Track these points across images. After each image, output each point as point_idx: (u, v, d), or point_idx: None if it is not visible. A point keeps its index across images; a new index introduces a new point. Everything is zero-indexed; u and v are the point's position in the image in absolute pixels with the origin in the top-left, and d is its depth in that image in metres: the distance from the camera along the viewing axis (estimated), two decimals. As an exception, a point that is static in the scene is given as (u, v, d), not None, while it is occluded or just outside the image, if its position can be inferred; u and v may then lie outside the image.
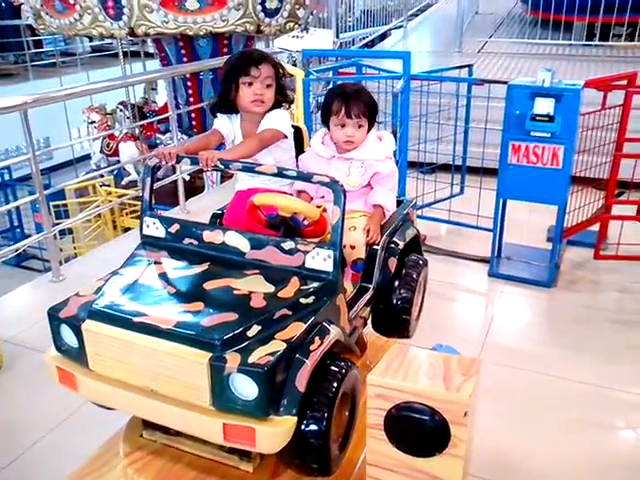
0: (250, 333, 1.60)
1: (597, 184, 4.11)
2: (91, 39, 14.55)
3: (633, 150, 3.92)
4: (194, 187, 7.63)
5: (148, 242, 2.03)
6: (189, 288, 1.80)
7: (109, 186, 9.12)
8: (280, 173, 1.90)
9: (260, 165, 1.98)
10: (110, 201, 8.04)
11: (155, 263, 1.92)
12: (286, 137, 2.24)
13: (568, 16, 7.81)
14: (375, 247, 2.21)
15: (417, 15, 11.38)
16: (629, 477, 2.42)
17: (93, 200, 8.77)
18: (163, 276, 1.86)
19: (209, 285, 1.79)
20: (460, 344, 2.81)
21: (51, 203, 8.09)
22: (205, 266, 1.88)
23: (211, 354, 1.54)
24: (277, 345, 1.58)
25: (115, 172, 9.58)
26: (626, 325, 3.45)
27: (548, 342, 3.34)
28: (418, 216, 4.36)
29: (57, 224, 5.30)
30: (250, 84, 2.17)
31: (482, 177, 4.30)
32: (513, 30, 9.17)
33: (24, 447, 2.55)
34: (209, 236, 1.94)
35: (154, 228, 2.02)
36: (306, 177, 2.01)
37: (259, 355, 1.54)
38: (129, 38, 8.78)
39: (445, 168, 4.75)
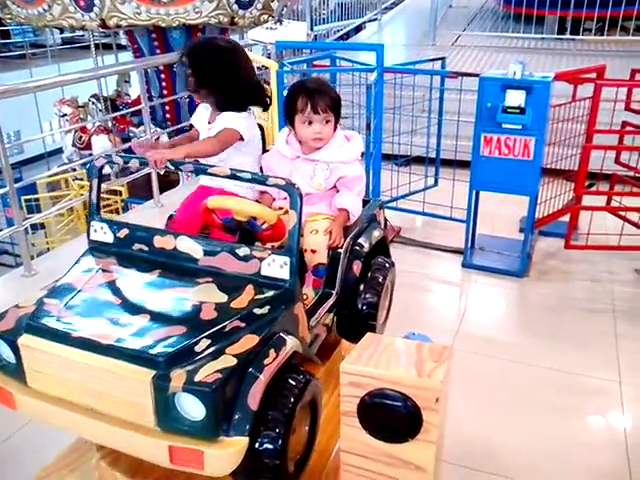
0: (198, 348, 1.51)
1: (568, 175, 4.17)
2: (62, 30, 14.30)
3: (602, 142, 4.00)
4: (169, 181, 7.55)
5: (96, 248, 1.93)
6: (135, 299, 1.71)
7: (82, 180, 8.99)
8: (234, 175, 1.80)
9: (213, 167, 1.87)
10: (82, 195, 7.93)
11: (102, 271, 1.82)
12: (242, 139, 2.15)
13: (540, 10, 7.92)
14: (338, 250, 2.14)
15: (392, 8, 11.40)
16: (600, 460, 2.48)
17: (65, 194, 8.64)
18: (109, 285, 1.76)
19: (158, 295, 1.71)
20: (434, 333, 2.83)
21: (22, 197, 7.95)
22: (155, 274, 1.79)
23: (154, 372, 1.45)
24: (227, 360, 1.49)
25: (88, 166, 9.44)
26: (595, 313, 3.52)
27: (520, 331, 3.40)
28: (393, 208, 4.45)
29: (28, 218, 5.21)
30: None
31: (455, 169, 4.34)
32: (486, 24, 9.25)
33: (-2, 441, 2.52)
34: (160, 241, 1.84)
35: (102, 233, 1.92)
36: (261, 180, 1.88)
37: (207, 372, 1.45)
38: (101, 30, 8.65)
39: (419, 160, 4.78)
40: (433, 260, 4.15)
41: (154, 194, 5.15)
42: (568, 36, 7.84)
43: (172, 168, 1.85)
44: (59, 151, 11.29)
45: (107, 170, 9.56)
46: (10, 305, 1.76)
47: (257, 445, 1.52)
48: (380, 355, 1.62)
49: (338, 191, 2.23)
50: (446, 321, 3.43)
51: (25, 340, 1.59)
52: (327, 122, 2.14)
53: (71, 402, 1.57)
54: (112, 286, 1.76)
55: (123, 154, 1.97)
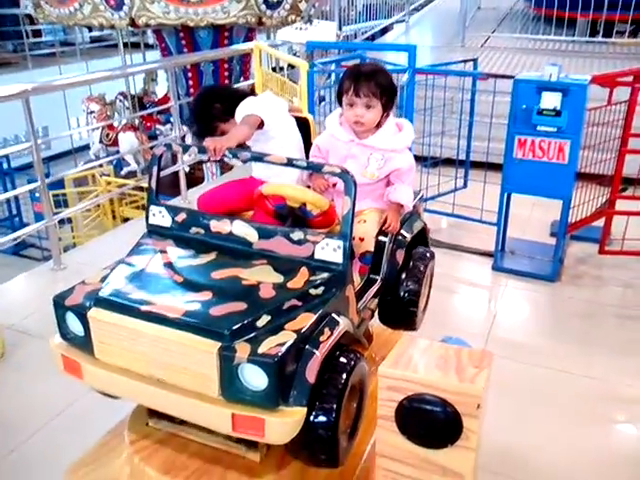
0: (259, 323, 1.58)
1: (601, 180, 4.10)
2: (91, 29, 14.48)
3: (638, 146, 3.91)
4: (194, 178, 7.59)
5: (154, 231, 2.00)
6: (196, 277, 1.77)
7: (109, 176, 9.09)
8: (290, 163, 1.85)
9: (269, 155, 1.92)
10: (109, 191, 8.01)
11: (161, 252, 1.89)
12: (263, 124, 2.18)
13: (572, 12, 7.79)
14: (383, 239, 2.19)
15: (419, 10, 11.33)
16: (634, 471, 2.42)
17: (92, 190, 8.74)
18: (170, 265, 1.83)
19: (217, 275, 1.76)
20: (465, 337, 2.79)
21: (50, 192, 8.05)
22: (212, 255, 1.85)
23: (220, 344, 1.52)
24: (287, 335, 1.56)
25: (114, 162, 9.54)
26: (630, 319, 3.45)
27: (552, 336, 3.33)
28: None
29: (57, 213, 5.26)
30: None
31: (487, 171, 4.28)
32: (516, 25, 9.13)
33: (26, 436, 2.53)
34: (216, 225, 1.91)
35: (160, 217, 1.99)
36: (316, 167, 2.00)
37: (269, 345, 1.52)
38: (129, 29, 8.73)
39: (448, 162, 4.73)
40: (463, 263, 4.09)
41: (182, 191, 5.16)
42: (600, 39, 7.70)
43: (230, 156, 1.88)
44: (86, 147, 11.43)
45: (134, 167, 9.67)
46: (42, 298, 1.79)
47: (312, 417, 1.58)
48: (419, 359, 1.59)
49: (388, 183, 2.24)
50: (477, 325, 3.39)
51: (95, 313, 1.65)
52: (369, 107, 2.12)
53: (137, 373, 1.63)
54: (173, 266, 1.83)
55: (182, 143, 1.99)
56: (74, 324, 1.71)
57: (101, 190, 8.41)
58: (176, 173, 5.22)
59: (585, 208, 4.07)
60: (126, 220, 7.87)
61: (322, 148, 2.26)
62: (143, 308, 1.61)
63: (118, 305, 1.64)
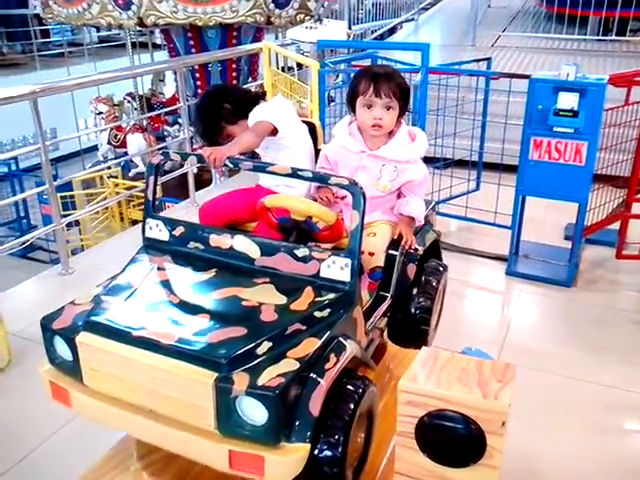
0: (260, 350, 1.48)
1: (616, 182, 4.01)
2: (98, 29, 14.49)
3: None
4: (202, 180, 7.55)
5: (151, 245, 1.91)
6: (194, 298, 1.68)
7: (116, 177, 9.07)
8: (294, 174, 1.75)
9: (273, 165, 1.83)
10: (117, 193, 7.98)
11: (158, 269, 1.80)
12: (276, 130, 2.12)
13: (584, 10, 7.68)
14: (394, 253, 2.08)
15: (427, 9, 11.23)
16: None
17: (100, 192, 8.71)
18: (166, 284, 1.74)
19: (215, 295, 1.67)
20: (479, 344, 2.74)
21: (58, 194, 8.03)
22: (212, 273, 1.76)
23: (217, 374, 1.42)
24: (289, 364, 1.45)
25: (122, 164, 9.52)
26: (647, 326, 3.37)
27: (567, 343, 3.25)
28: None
29: (64, 215, 5.23)
30: None
31: (501, 173, 4.20)
32: (527, 24, 9.02)
33: (33, 445, 2.48)
34: (216, 240, 1.82)
35: (157, 230, 1.90)
36: (323, 179, 1.86)
37: (269, 376, 1.41)
38: (138, 28, 8.70)
39: (459, 164, 4.65)
40: (475, 267, 4.01)
41: (190, 194, 5.11)
42: (613, 37, 7.58)
43: (231, 166, 1.80)
44: (94, 148, 11.42)
45: (141, 169, 9.63)
46: (49, 304, 1.74)
47: (317, 452, 1.48)
48: (440, 372, 1.53)
49: (399, 195, 2.16)
50: (492, 332, 3.31)
51: (83, 338, 1.57)
52: (389, 109, 2.03)
53: (128, 402, 1.55)
54: (169, 285, 1.73)
55: (181, 151, 1.93)
56: (62, 349, 1.61)
57: (109, 192, 8.38)
58: (184, 174, 5.17)
59: (600, 211, 3.99)
60: (134, 222, 7.84)
61: (330, 159, 2.17)
62: (135, 333, 1.52)
63: (108, 329, 1.55)
